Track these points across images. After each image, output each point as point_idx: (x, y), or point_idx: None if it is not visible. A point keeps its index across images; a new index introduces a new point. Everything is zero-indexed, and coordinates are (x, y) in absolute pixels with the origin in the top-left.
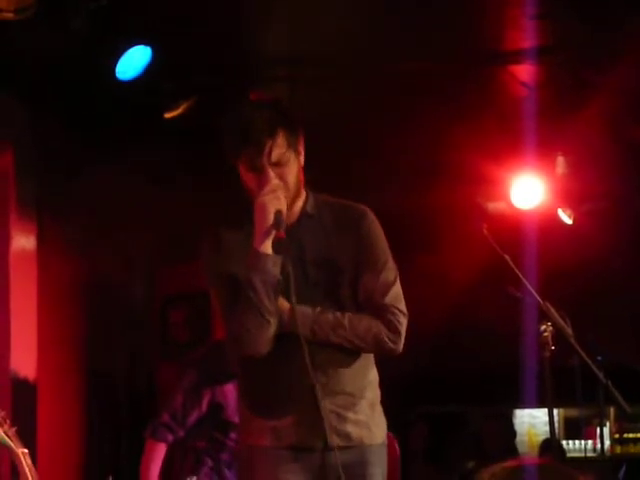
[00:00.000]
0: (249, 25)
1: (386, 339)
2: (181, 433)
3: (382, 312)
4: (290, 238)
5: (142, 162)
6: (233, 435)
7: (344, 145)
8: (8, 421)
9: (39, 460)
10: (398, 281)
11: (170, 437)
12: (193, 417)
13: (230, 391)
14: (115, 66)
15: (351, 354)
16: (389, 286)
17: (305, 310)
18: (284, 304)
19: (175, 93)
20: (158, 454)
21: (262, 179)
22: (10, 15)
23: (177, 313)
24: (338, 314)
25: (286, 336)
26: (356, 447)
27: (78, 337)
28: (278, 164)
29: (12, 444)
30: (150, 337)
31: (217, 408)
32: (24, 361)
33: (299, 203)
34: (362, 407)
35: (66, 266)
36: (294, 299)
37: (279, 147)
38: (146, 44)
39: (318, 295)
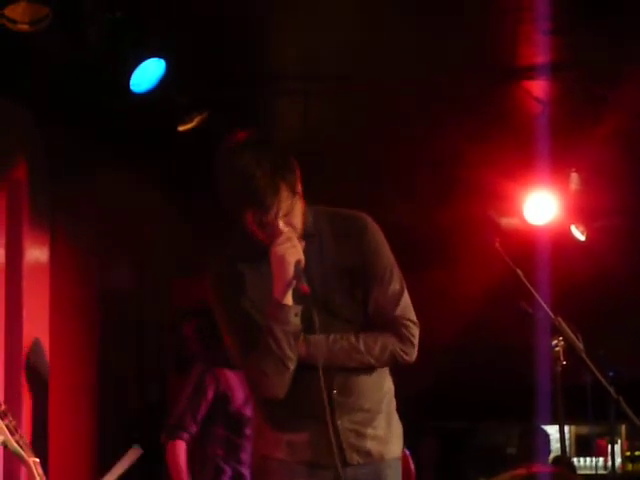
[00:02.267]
0: (263, 39)
1: (401, 353)
2: (194, 428)
3: (394, 325)
4: None
5: (156, 173)
6: (248, 431)
7: (358, 160)
8: (20, 430)
9: (50, 470)
10: (405, 290)
11: (185, 434)
12: (202, 409)
13: (234, 380)
14: (129, 78)
15: (368, 370)
16: (398, 297)
17: (319, 340)
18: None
19: (189, 106)
20: (180, 452)
21: (272, 232)
22: (25, 27)
23: (189, 325)
24: (352, 339)
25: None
26: (374, 462)
27: (90, 347)
28: (285, 215)
29: (23, 453)
30: (162, 348)
31: (223, 398)
32: (37, 372)
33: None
34: (380, 422)
35: (79, 276)
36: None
37: (284, 201)
38: (160, 57)
39: (328, 315)
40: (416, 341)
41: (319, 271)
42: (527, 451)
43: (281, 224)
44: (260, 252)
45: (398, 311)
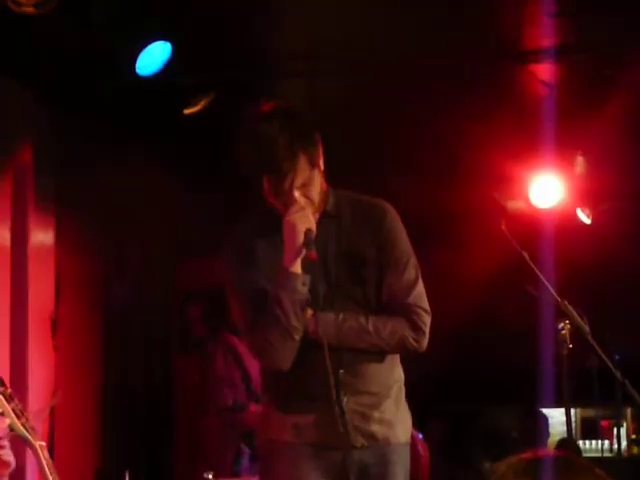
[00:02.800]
0: (267, 21)
1: (411, 340)
2: (241, 395)
3: (406, 312)
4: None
5: (161, 157)
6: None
7: (361, 141)
8: (26, 414)
9: (56, 454)
10: (420, 279)
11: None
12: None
13: (252, 363)
14: (135, 62)
15: (377, 354)
16: (412, 285)
17: (329, 318)
18: (307, 311)
19: (194, 89)
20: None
21: (287, 200)
22: (30, 9)
23: (195, 308)
24: (362, 320)
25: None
26: (380, 446)
27: (95, 331)
28: (302, 185)
29: (30, 437)
30: (168, 331)
31: (247, 379)
32: (41, 356)
33: (320, 204)
34: (388, 406)
35: (84, 260)
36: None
37: (302, 171)
38: (166, 40)
39: (340, 296)
40: (427, 329)
41: (335, 252)
42: (527, 434)
43: (297, 194)
44: (275, 226)
45: (411, 299)
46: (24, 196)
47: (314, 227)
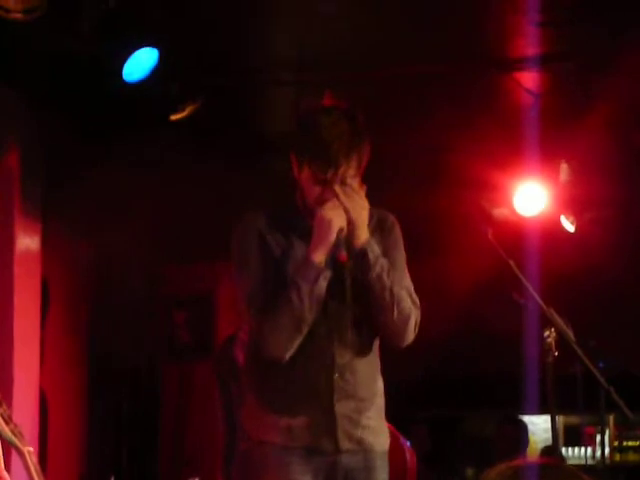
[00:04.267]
0: (256, 28)
1: (412, 324)
2: None
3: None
4: None
5: (147, 162)
6: None
7: None
8: (13, 419)
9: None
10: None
11: None
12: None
13: None
14: (122, 68)
15: (368, 357)
16: (409, 290)
17: (375, 250)
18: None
19: (182, 95)
20: None
21: (324, 194)
22: (18, 15)
23: (180, 314)
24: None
25: (309, 336)
26: (365, 452)
27: (81, 336)
28: (343, 182)
29: (18, 442)
30: (154, 337)
31: None
32: (27, 361)
33: None
34: (372, 412)
35: (70, 265)
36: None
37: (350, 169)
38: (153, 46)
39: (348, 299)
40: (416, 329)
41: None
42: (506, 441)
43: (339, 190)
44: (291, 223)
45: (408, 289)
46: (10, 201)
47: (345, 227)
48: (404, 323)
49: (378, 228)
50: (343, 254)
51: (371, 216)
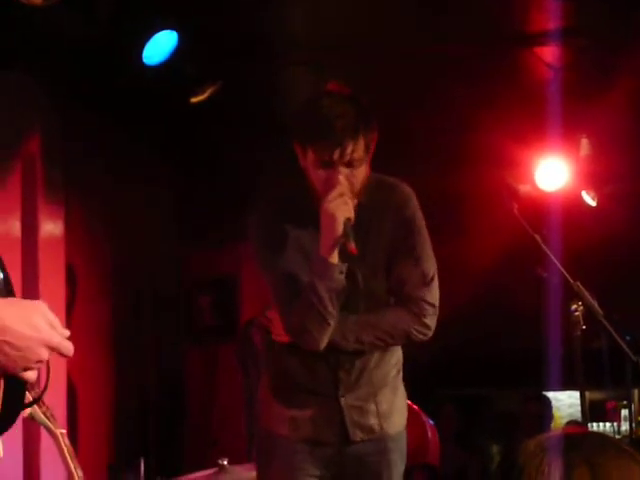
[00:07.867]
0: (275, 9)
1: (414, 332)
2: None
3: (410, 305)
4: None
5: (171, 146)
6: None
7: None
8: (45, 402)
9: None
10: (436, 275)
11: None
12: None
13: None
14: (142, 51)
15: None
16: (425, 279)
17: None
18: None
19: (201, 78)
20: None
21: (330, 178)
22: (38, 1)
23: (204, 297)
24: (363, 317)
25: None
26: (377, 439)
27: (106, 320)
28: (350, 165)
29: (51, 425)
30: (178, 320)
31: None
32: None
33: (360, 192)
34: (384, 395)
35: (94, 250)
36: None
37: (357, 150)
38: (172, 29)
39: (354, 287)
40: (432, 323)
41: (363, 245)
42: (530, 417)
43: (342, 174)
44: (301, 211)
45: (420, 292)
46: (33, 187)
47: (353, 216)
48: (402, 340)
49: (387, 207)
50: (352, 245)
51: (382, 190)
